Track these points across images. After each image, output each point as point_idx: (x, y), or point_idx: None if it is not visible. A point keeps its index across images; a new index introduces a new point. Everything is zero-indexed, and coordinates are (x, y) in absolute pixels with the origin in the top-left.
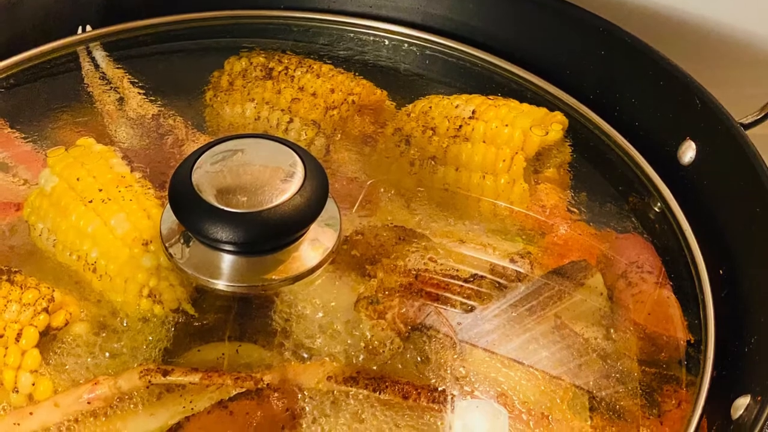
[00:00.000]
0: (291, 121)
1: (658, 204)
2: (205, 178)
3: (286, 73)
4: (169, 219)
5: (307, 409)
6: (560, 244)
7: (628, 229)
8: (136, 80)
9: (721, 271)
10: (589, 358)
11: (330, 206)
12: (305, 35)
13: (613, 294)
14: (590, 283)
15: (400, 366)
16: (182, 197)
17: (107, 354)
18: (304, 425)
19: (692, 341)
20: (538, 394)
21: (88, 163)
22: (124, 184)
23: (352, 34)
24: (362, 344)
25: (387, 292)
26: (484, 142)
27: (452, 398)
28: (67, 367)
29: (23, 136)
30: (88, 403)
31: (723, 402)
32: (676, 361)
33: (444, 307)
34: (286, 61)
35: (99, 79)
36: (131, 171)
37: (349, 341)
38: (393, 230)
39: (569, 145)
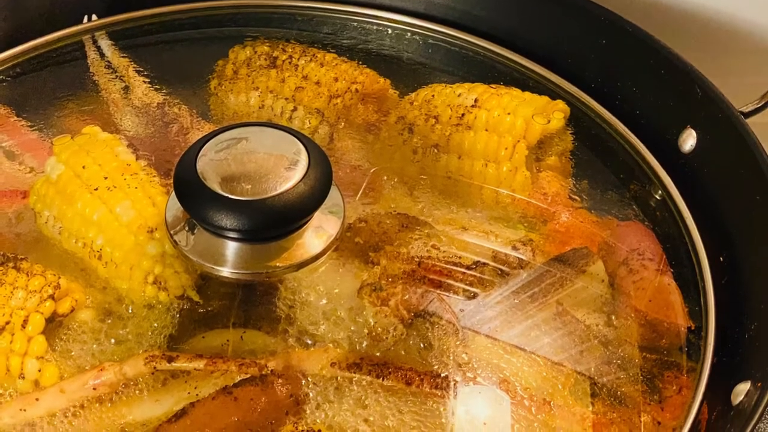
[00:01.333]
0: (295, 109)
1: (659, 192)
2: (209, 165)
3: (290, 62)
4: (174, 206)
5: (311, 395)
6: (562, 232)
7: (630, 217)
8: (141, 69)
9: (721, 258)
10: (590, 345)
11: (334, 194)
12: (309, 24)
13: (614, 281)
14: (591, 270)
15: (403, 352)
16: (187, 185)
17: (113, 340)
18: (307, 411)
19: (693, 328)
20: (540, 380)
21: (93, 151)
22: (129, 172)
23: (355, 23)
24: (366, 331)
25: (390, 279)
26: (486, 130)
27: (455, 384)
28: (72, 353)
29: (29, 124)
30: (94, 389)
31: (723, 388)
32: (677, 348)
33: (447, 294)
34: (290, 50)
35: (104, 67)
36: (136, 159)
37: (352, 328)
38: (396, 218)
39: (571, 134)
